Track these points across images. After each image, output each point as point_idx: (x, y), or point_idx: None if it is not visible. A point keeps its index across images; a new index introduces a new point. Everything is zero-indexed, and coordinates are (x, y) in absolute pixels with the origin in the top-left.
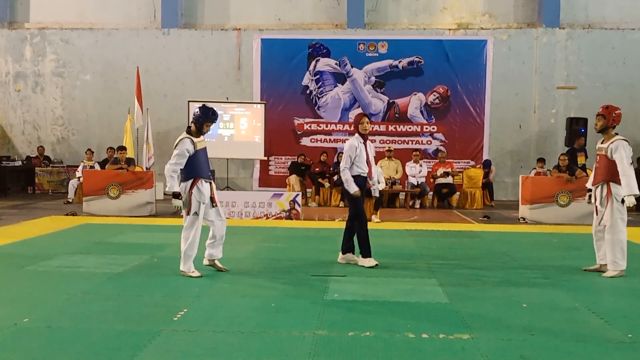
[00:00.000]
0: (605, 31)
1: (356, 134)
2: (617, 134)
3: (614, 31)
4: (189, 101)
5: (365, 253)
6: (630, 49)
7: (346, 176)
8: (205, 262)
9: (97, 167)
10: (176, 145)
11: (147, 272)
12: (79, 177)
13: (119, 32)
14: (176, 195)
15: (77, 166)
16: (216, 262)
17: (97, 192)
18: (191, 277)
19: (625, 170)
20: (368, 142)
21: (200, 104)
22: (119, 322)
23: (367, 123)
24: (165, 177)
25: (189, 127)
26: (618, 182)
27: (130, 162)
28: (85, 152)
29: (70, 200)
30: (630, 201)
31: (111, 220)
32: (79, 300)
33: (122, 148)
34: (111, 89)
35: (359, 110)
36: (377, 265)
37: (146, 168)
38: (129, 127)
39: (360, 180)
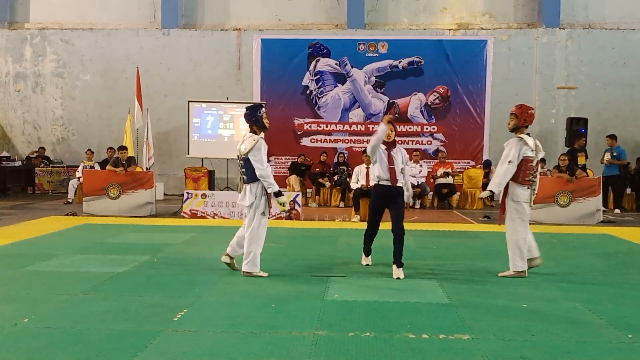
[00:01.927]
0: (605, 31)
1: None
2: (529, 134)
3: (614, 31)
4: (189, 101)
5: (364, 252)
6: (630, 49)
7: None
8: (226, 259)
9: (97, 167)
10: (252, 148)
11: (147, 273)
12: (79, 177)
13: (119, 32)
14: (279, 194)
15: (77, 166)
16: (234, 261)
17: (97, 192)
18: (261, 277)
19: (499, 167)
20: (396, 149)
21: (250, 105)
22: (119, 322)
23: (391, 130)
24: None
25: (255, 130)
26: (517, 182)
27: (131, 161)
28: (85, 152)
29: (70, 201)
30: (486, 194)
31: (111, 221)
32: (79, 300)
33: (123, 148)
34: (111, 89)
35: (359, 111)
36: (367, 265)
37: (146, 168)
38: (129, 127)
39: (381, 188)
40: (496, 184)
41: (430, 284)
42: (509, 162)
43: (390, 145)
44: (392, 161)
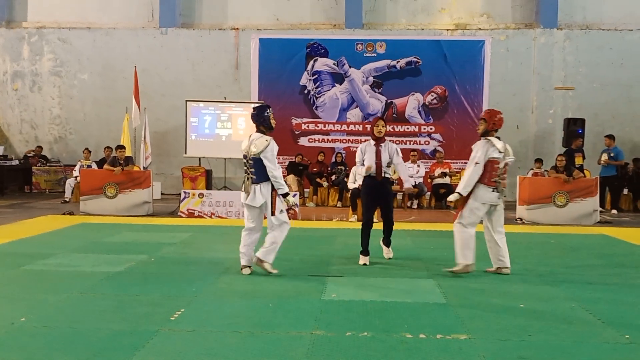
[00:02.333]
0: (603, 32)
1: (370, 138)
2: (498, 137)
3: (612, 32)
4: (186, 100)
5: (362, 251)
6: (628, 49)
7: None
8: (247, 271)
9: (95, 166)
10: (265, 148)
11: (144, 272)
12: (76, 177)
13: (117, 31)
14: (287, 195)
15: (75, 165)
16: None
17: (94, 192)
18: (272, 273)
19: (466, 169)
20: (384, 144)
21: (257, 105)
22: (116, 322)
23: (381, 127)
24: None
25: (262, 130)
26: (482, 182)
27: (128, 160)
28: (83, 152)
29: (67, 200)
30: (454, 197)
31: (108, 220)
32: (77, 299)
33: (121, 147)
34: (109, 88)
35: (357, 111)
36: (364, 264)
37: (143, 167)
38: (126, 126)
39: (369, 181)
40: (463, 186)
41: (427, 284)
42: (476, 163)
43: (379, 140)
44: (380, 156)
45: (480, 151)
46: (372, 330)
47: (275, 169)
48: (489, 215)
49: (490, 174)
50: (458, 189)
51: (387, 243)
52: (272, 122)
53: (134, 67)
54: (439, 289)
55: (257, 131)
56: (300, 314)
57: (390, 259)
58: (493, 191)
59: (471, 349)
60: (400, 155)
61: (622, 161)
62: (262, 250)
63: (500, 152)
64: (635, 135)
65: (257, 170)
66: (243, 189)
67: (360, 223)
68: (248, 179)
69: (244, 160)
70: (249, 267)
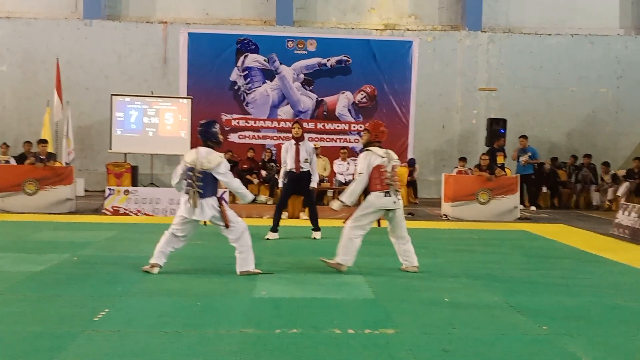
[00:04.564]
0: (524, 36)
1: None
2: (380, 146)
3: (532, 36)
4: (112, 95)
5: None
6: (547, 53)
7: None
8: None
9: (13, 161)
10: (220, 164)
11: (67, 272)
12: None
13: (38, 21)
14: (254, 199)
15: None
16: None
17: (13, 188)
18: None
19: (355, 179)
20: (302, 143)
21: (203, 121)
22: (36, 323)
23: (297, 128)
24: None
25: (211, 146)
26: (374, 190)
27: (51, 157)
28: (0, 146)
29: None
30: (337, 205)
31: (28, 218)
32: None
33: (43, 141)
34: (30, 80)
35: (288, 107)
36: (267, 239)
37: (66, 163)
38: (47, 120)
39: (290, 175)
40: (347, 196)
41: (356, 280)
42: (359, 174)
43: (298, 140)
44: (298, 153)
45: (362, 162)
46: (301, 326)
47: (232, 181)
48: (390, 221)
49: (380, 180)
50: (342, 198)
51: (315, 227)
52: (220, 137)
53: (57, 60)
54: (367, 285)
55: (204, 146)
56: (229, 312)
57: (315, 239)
58: (386, 196)
59: (398, 343)
60: (315, 154)
61: (538, 160)
62: (241, 264)
63: (382, 157)
64: (553, 136)
65: (205, 184)
66: (191, 204)
67: (295, 220)
68: (194, 192)
69: (190, 173)
70: (161, 266)
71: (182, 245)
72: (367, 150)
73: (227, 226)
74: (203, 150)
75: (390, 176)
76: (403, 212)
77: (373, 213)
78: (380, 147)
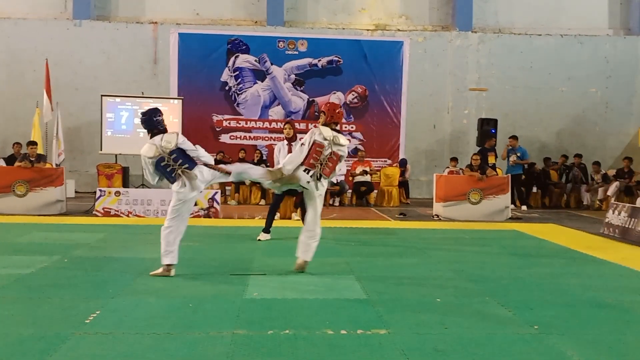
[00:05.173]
0: (514, 36)
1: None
2: (338, 130)
3: (522, 36)
4: (102, 95)
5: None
6: (536, 53)
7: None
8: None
9: (2, 163)
10: (178, 138)
11: (56, 273)
12: None
13: (26, 22)
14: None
15: None
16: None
17: (2, 190)
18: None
19: (295, 149)
20: (294, 143)
21: (145, 110)
22: (25, 326)
23: (288, 129)
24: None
25: (157, 134)
26: (302, 163)
27: (41, 158)
28: None
29: None
30: (273, 175)
31: (18, 220)
32: None
33: (33, 143)
34: (17, 81)
35: (279, 108)
36: (259, 240)
37: (56, 165)
38: (37, 121)
39: None
40: (287, 163)
41: (348, 281)
42: (302, 144)
43: (290, 140)
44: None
45: (307, 136)
46: (293, 327)
47: (196, 149)
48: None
49: (311, 156)
50: (283, 167)
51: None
52: (165, 125)
53: (46, 60)
54: (359, 285)
55: (153, 136)
56: (221, 313)
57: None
58: (305, 171)
59: (390, 343)
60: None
61: (528, 160)
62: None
63: (325, 138)
64: (543, 136)
65: (184, 159)
66: (189, 184)
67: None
68: (182, 172)
69: (163, 164)
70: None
71: (184, 229)
72: (317, 126)
73: (228, 173)
74: (155, 139)
75: (321, 158)
76: (318, 202)
77: (286, 178)
78: (338, 131)
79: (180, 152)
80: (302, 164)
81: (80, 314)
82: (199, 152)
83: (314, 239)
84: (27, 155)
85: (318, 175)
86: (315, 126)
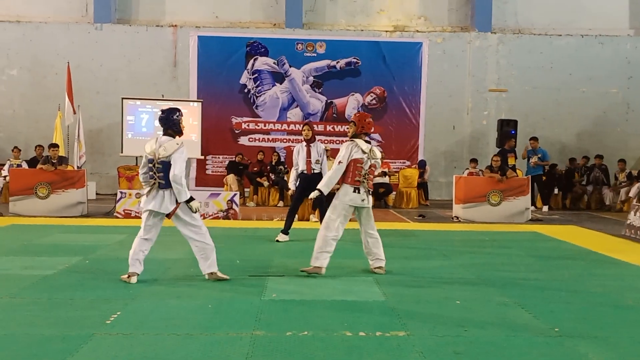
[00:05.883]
0: (533, 36)
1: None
2: (368, 141)
3: (542, 37)
4: (123, 98)
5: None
6: (556, 54)
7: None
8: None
9: (25, 165)
10: (176, 151)
11: (78, 275)
12: (4, 176)
13: (47, 25)
14: (191, 200)
15: (3, 165)
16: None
17: (25, 192)
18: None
19: (333, 168)
20: (313, 144)
21: (165, 108)
22: (47, 326)
23: (307, 131)
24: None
25: (172, 134)
26: (346, 182)
27: (62, 160)
28: (12, 150)
29: None
30: (314, 194)
31: (40, 221)
32: (6, 304)
33: (54, 145)
34: (39, 84)
35: (297, 110)
36: (277, 241)
37: (77, 167)
38: (59, 124)
39: (302, 176)
40: (324, 184)
41: (367, 282)
42: (339, 162)
43: (309, 142)
44: (310, 155)
45: (344, 151)
46: (312, 329)
47: (179, 172)
48: (359, 217)
49: (353, 173)
50: (320, 186)
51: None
52: (182, 126)
53: (67, 63)
54: (378, 287)
55: (164, 134)
56: (240, 314)
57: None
58: (354, 191)
59: (409, 345)
60: (326, 155)
61: (549, 162)
62: (204, 264)
63: (364, 152)
64: (563, 137)
65: (166, 174)
66: (147, 195)
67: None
68: (155, 183)
69: (150, 165)
70: (138, 274)
71: (149, 247)
72: (352, 140)
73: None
74: (162, 138)
75: (364, 173)
76: (371, 211)
77: (341, 211)
78: (368, 141)
79: (168, 165)
80: (347, 183)
81: (101, 315)
82: (176, 175)
83: (378, 241)
84: (49, 157)
85: (368, 190)
86: (349, 140)
